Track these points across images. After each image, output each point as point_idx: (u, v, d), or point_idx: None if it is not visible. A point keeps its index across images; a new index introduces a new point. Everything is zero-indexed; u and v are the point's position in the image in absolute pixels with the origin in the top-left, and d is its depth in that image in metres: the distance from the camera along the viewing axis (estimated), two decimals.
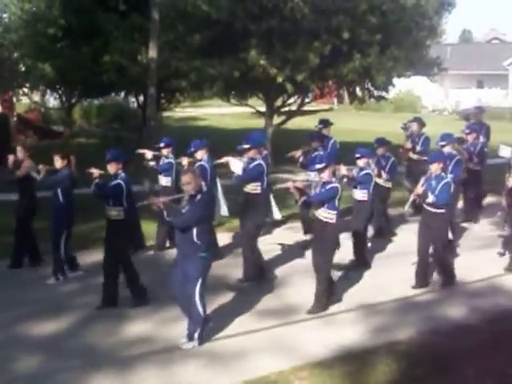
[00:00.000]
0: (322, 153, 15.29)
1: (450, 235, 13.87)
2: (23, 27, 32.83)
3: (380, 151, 15.87)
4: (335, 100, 62.35)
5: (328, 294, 11.69)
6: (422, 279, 12.89)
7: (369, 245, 14.97)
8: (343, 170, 13.68)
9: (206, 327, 10.15)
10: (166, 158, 15.05)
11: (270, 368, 9.34)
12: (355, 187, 14.20)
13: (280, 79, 25.30)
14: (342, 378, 9.15)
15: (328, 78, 28.46)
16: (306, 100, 32.08)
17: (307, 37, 25.07)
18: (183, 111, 50.01)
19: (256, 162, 12.87)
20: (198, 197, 9.93)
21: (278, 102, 30.72)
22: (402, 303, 12.12)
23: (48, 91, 42.28)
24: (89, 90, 34.27)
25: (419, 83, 51.76)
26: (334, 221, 11.41)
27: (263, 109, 30.55)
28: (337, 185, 11.42)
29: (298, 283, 12.97)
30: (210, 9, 24.60)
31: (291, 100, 31.36)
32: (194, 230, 9.79)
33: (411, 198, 13.00)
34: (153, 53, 24.89)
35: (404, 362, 9.59)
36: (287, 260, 14.50)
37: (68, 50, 29.94)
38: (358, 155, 14.00)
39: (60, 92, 37.84)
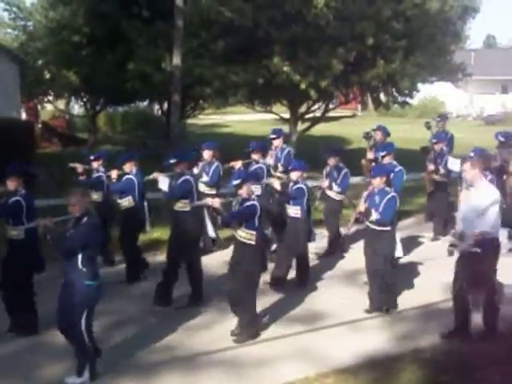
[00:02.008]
0: (262, 166, 14.66)
1: (400, 252, 12.24)
2: (48, 35, 33.08)
3: (332, 162, 14.82)
4: (359, 106, 62.28)
5: (256, 319, 10.73)
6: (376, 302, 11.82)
7: (316, 262, 14.54)
8: (275, 183, 12.92)
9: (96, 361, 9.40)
10: (97, 171, 14.24)
11: (295, 375, 9.31)
12: (288, 202, 12.76)
13: (303, 86, 25.36)
14: None
15: (352, 85, 28.53)
16: (331, 106, 32.15)
17: (331, 43, 25.11)
18: (207, 118, 50.14)
19: (183, 178, 12.08)
20: (84, 220, 9.03)
21: (302, 109, 30.79)
22: (426, 310, 12.02)
23: (73, 98, 42.53)
24: (113, 97, 34.52)
25: (443, 89, 51.58)
26: (253, 242, 10.27)
27: (287, 115, 30.60)
28: (255, 203, 10.27)
29: (322, 290, 12.97)
30: (233, 15, 24.69)
31: (315, 106, 31.40)
32: (79, 256, 8.91)
33: (353, 216, 11.96)
34: (177, 60, 25.00)
35: (429, 369, 9.52)
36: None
37: (92, 58, 30.13)
38: (290, 168, 12.92)
39: (85, 99, 38.10)
